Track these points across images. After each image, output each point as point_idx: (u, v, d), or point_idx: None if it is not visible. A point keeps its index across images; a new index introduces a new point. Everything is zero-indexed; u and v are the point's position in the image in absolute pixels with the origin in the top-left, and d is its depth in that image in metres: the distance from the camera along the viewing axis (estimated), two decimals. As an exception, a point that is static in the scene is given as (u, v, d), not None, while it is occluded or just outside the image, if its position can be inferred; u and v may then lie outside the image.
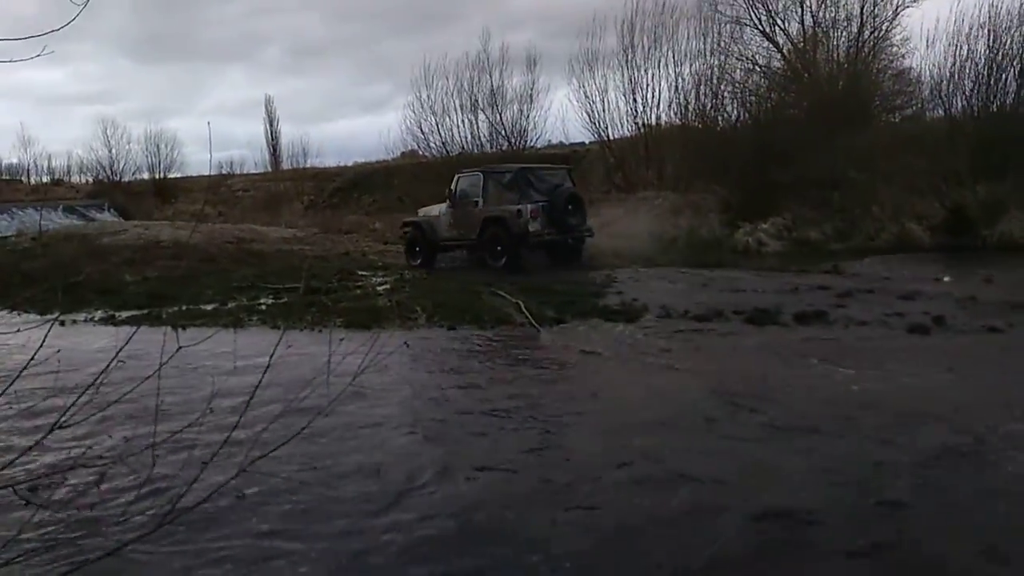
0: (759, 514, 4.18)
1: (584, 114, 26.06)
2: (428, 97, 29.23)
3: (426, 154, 29.94)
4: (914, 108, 22.36)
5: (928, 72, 20.90)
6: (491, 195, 15.32)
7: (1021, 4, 19.02)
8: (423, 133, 29.68)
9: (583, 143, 29.19)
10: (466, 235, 15.46)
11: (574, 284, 12.75)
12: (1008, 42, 19.20)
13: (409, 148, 31.59)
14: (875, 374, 7.03)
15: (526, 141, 28.48)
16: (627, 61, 24.94)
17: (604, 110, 25.63)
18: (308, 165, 38.21)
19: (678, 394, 6.70)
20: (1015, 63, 19.26)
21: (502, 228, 14.62)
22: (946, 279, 12.03)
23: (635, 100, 25.01)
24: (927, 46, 21.95)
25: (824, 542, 3.90)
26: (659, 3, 24.48)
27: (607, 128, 25.82)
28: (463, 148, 28.98)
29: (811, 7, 23.21)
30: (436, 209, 16.43)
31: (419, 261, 16.24)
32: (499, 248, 14.78)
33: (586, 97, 25.84)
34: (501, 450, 5.41)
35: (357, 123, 59.56)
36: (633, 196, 22.14)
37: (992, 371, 7.18)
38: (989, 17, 19.29)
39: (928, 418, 5.70)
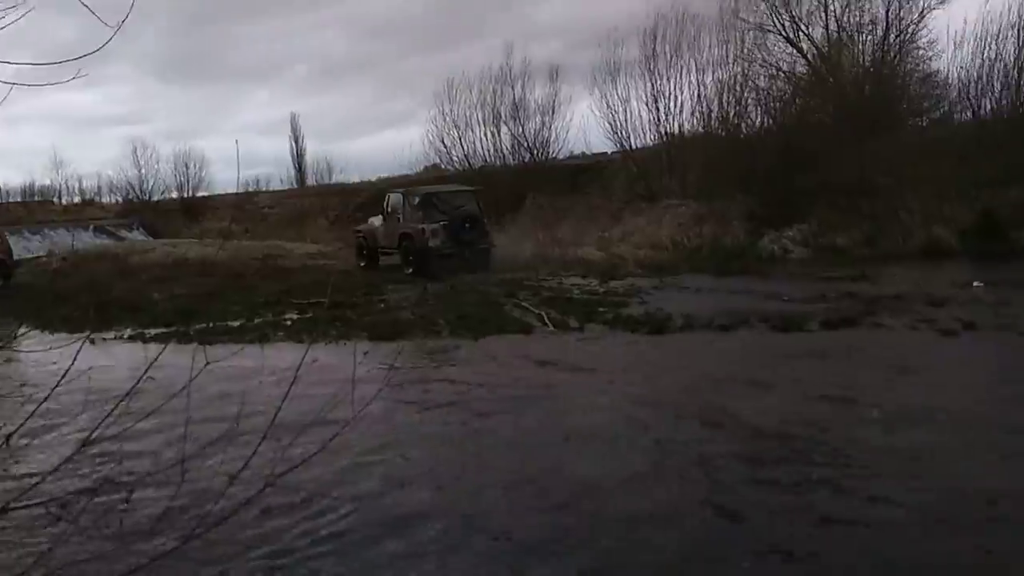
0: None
1: (606, 124, 26.02)
2: (451, 111, 29.43)
3: (448, 168, 30.08)
4: (942, 111, 21.98)
5: (956, 74, 20.64)
6: (408, 213, 17.70)
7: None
8: (445, 147, 29.89)
9: (606, 153, 29.13)
10: (392, 245, 18.06)
11: (599, 294, 12.72)
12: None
13: (432, 162, 31.77)
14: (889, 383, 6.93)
15: (548, 152, 28.51)
16: (649, 70, 24.88)
17: (626, 119, 25.59)
18: (333, 181, 38.57)
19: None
20: (1046, 63, 18.96)
21: (411, 242, 17.23)
22: (976, 284, 11.81)
23: (658, 109, 24.93)
24: (955, 48, 21.38)
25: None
26: (681, 12, 24.43)
27: (629, 137, 25.79)
28: (485, 161, 29.07)
29: (835, 12, 23.00)
30: (378, 220, 18.90)
31: (364, 264, 18.81)
32: (410, 258, 17.26)
33: (608, 107, 25.82)
34: (523, 463, 5.39)
35: (381, 139, 59.87)
36: (656, 205, 22.02)
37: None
38: (1020, 16, 19.05)
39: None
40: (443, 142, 29.76)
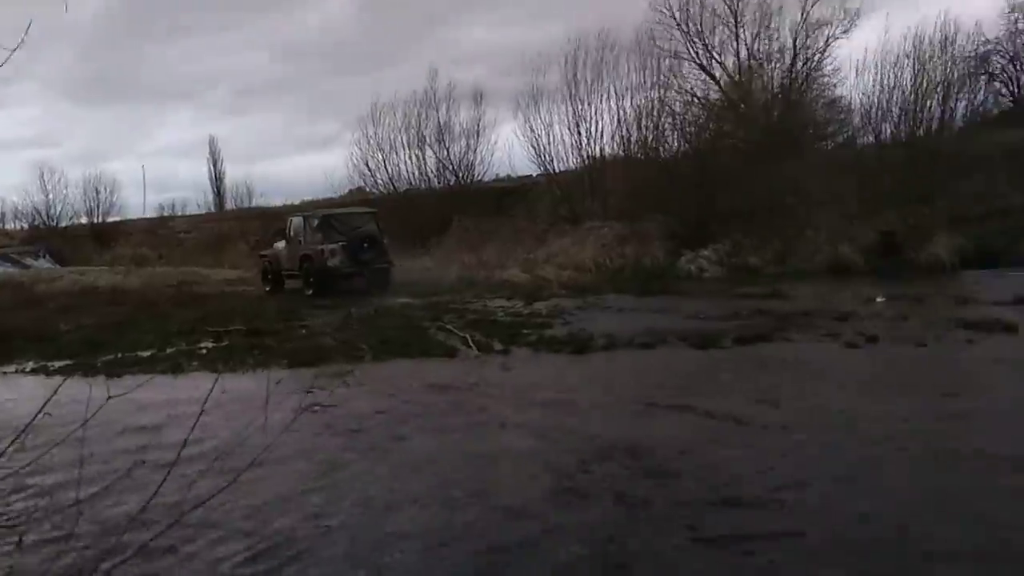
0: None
1: (530, 147, 26.40)
2: (375, 134, 29.37)
3: (373, 191, 29.92)
4: (846, 135, 23.16)
5: (859, 100, 21.73)
6: (308, 236, 18.12)
7: (943, 35, 20.04)
8: (370, 170, 29.74)
9: (530, 176, 29.50)
10: (295, 267, 18.30)
11: (523, 316, 12.81)
12: (932, 71, 20.17)
13: (356, 185, 31.54)
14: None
15: (473, 175, 28.68)
16: (571, 95, 25.41)
17: (550, 143, 26.03)
18: (253, 205, 37.84)
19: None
20: (938, 90, 20.19)
21: (311, 263, 17.61)
22: (879, 299, 12.42)
23: (579, 133, 25.45)
24: (857, 75, 22.51)
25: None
26: (601, 39, 25.09)
27: (552, 161, 26.22)
28: (411, 184, 29.03)
29: (746, 40, 24.09)
30: (282, 244, 19.08)
31: (269, 288, 19.07)
32: (310, 279, 17.59)
33: (532, 131, 26.22)
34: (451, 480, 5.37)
35: (304, 161, 59.10)
36: (579, 227, 22.40)
37: (920, 387, 7.45)
38: (914, 47, 20.23)
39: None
40: (367, 165, 29.69)
